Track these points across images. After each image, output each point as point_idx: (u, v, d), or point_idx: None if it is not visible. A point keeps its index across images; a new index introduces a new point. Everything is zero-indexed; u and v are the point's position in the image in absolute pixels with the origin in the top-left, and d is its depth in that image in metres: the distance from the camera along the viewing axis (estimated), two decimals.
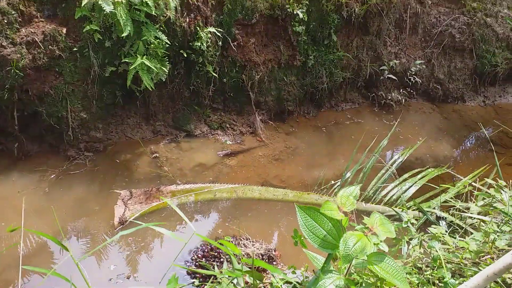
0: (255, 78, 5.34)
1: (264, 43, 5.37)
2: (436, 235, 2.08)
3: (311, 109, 6.07)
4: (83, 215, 3.81)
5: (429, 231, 3.19)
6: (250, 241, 3.54)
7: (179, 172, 4.59)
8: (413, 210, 3.81)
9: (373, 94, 6.46)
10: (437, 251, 2.12)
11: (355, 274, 1.84)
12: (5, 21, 4.00)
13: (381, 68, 6.29)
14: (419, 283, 1.81)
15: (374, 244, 1.60)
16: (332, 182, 4.11)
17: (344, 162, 4.79)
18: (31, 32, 4.14)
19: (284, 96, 5.71)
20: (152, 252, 3.54)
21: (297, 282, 1.82)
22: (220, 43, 4.97)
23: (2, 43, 4.01)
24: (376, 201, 4.04)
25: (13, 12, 4.04)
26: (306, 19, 5.25)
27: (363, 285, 1.67)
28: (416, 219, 3.59)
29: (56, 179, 4.28)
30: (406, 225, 2.34)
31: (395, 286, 1.77)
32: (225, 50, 5.14)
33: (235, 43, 5.07)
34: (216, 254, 3.41)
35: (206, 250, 3.46)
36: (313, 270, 1.71)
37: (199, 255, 3.43)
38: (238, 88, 5.44)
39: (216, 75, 5.07)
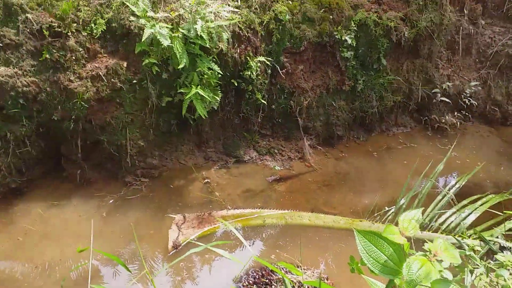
0: (303, 104, 5.39)
1: (312, 69, 5.44)
2: (504, 263, 1.96)
3: (361, 134, 6.00)
4: (139, 239, 3.96)
5: (491, 262, 3.00)
6: (301, 269, 3.50)
7: (229, 197, 4.66)
8: (473, 239, 3.61)
9: (426, 117, 6.29)
10: (505, 280, 2.00)
11: None
12: (73, 57, 4.36)
13: (433, 91, 6.14)
14: None
15: (439, 271, 1.55)
16: (386, 208, 4.00)
17: (396, 188, 4.65)
18: (96, 66, 4.48)
19: (333, 121, 5.71)
20: (200, 278, 3.59)
21: None
22: (269, 71, 5.10)
23: (70, 78, 4.36)
24: (433, 229, 3.86)
25: (80, 49, 4.40)
26: (354, 45, 5.28)
27: None
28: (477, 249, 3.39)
29: (114, 204, 4.49)
30: (469, 253, 2.23)
31: None
32: (274, 78, 5.26)
33: (283, 70, 5.19)
34: (267, 281, 3.40)
35: (257, 277, 3.46)
36: None
37: (250, 282, 3.42)
38: (286, 114, 5.52)
39: (265, 102, 5.18)
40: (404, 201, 3.96)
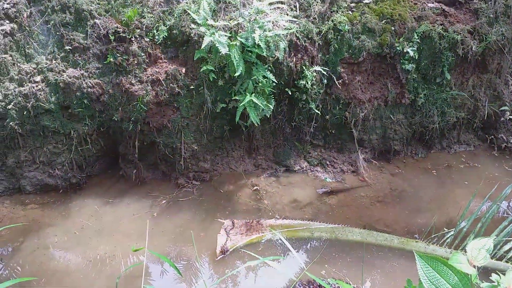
0: (359, 116, 5.24)
1: (370, 80, 5.28)
2: None
3: (420, 150, 5.71)
4: (188, 241, 4.01)
5: None
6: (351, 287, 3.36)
7: (278, 206, 4.61)
8: None
9: (492, 136, 5.86)
10: None
11: None
12: (135, 62, 4.56)
13: (501, 108, 5.72)
14: None
15: None
16: (445, 230, 3.75)
17: (455, 210, 4.36)
18: (156, 71, 4.64)
19: (390, 135, 5.48)
20: (246, 286, 3.56)
21: None
22: (325, 81, 5.02)
23: (131, 81, 4.55)
24: (497, 257, 3.57)
25: (142, 54, 4.58)
26: (416, 57, 5.06)
27: None
28: None
29: (166, 205, 4.60)
30: None
31: None
32: (329, 88, 5.16)
33: (339, 81, 5.08)
34: None
35: None
36: None
37: None
38: (340, 125, 5.39)
39: (319, 112, 5.09)
40: (465, 224, 3.70)
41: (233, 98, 4.65)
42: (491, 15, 5.31)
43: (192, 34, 4.55)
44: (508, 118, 5.73)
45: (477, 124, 5.86)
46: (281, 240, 4.06)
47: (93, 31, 4.45)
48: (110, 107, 4.58)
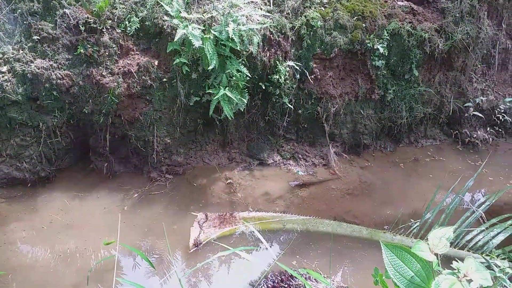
0: (331, 111, 5.34)
1: (342, 76, 5.39)
2: None
3: (388, 144, 5.89)
4: (161, 235, 4.00)
5: None
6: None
7: (251, 199, 4.66)
8: (502, 259, 3.48)
9: (456, 131, 6.12)
10: None
11: None
12: (107, 53, 4.47)
13: (465, 104, 5.97)
14: None
15: None
16: (412, 221, 3.91)
17: (421, 202, 4.54)
18: (128, 63, 4.57)
19: (360, 129, 5.63)
20: (217, 279, 3.59)
21: None
22: (298, 76, 5.08)
23: (102, 73, 4.46)
24: (459, 246, 3.75)
25: (113, 46, 4.50)
26: (386, 54, 5.20)
27: None
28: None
29: (138, 198, 4.57)
30: (499, 275, 2.15)
31: None
32: (302, 83, 5.24)
33: (312, 76, 5.16)
34: (286, 286, 3.37)
35: (276, 282, 3.43)
36: None
37: (269, 286, 3.40)
38: (312, 119, 5.48)
39: (292, 107, 5.16)
40: (430, 216, 3.86)
41: (207, 91, 4.65)
42: (457, 14, 5.52)
43: (165, 26, 4.51)
44: (471, 114, 5.99)
45: (443, 119, 6.10)
46: (253, 233, 4.11)
47: (63, 21, 4.33)
48: (80, 99, 4.48)
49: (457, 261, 1.61)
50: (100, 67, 4.42)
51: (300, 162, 5.43)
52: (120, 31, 4.50)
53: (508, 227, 3.74)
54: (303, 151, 5.56)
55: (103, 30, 4.38)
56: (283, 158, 5.45)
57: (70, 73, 4.38)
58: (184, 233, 3.99)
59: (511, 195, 4.96)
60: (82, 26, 4.31)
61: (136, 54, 4.67)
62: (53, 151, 4.70)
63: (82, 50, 4.31)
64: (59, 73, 4.33)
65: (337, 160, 5.45)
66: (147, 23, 4.57)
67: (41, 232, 3.98)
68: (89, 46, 4.35)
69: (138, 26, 4.55)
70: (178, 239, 3.93)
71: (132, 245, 3.82)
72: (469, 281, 1.58)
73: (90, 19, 4.35)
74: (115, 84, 4.46)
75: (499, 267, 2.44)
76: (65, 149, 4.82)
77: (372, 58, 5.24)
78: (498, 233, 3.70)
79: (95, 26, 4.35)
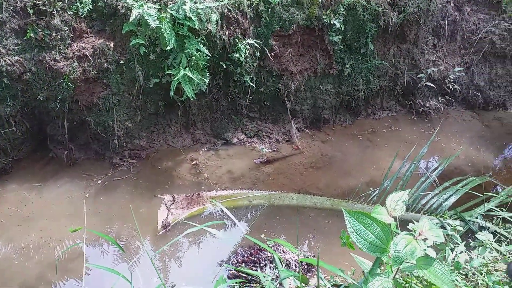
0: (291, 87, 5.43)
1: (301, 53, 5.46)
2: (484, 242, 2.07)
3: (347, 117, 6.08)
4: (128, 219, 3.98)
5: (470, 241, 3.15)
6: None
7: (218, 178, 4.71)
8: (454, 219, 3.76)
9: (411, 102, 6.40)
10: (484, 258, 2.12)
11: (400, 278, 1.87)
12: (59, 37, 4.28)
13: (418, 76, 6.24)
14: (466, 287, 1.82)
15: (423, 250, 1.63)
16: (371, 189, 4.11)
17: (380, 171, 4.77)
18: (82, 46, 4.40)
19: (320, 105, 5.77)
20: (190, 258, 3.65)
21: (344, 286, 1.86)
22: (258, 53, 5.10)
23: (56, 58, 4.28)
24: (416, 209, 4.00)
25: (66, 29, 4.31)
26: (342, 29, 5.30)
27: None
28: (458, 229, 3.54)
29: (102, 185, 4.50)
30: (451, 233, 2.34)
31: None
32: (262, 61, 5.26)
33: (272, 53, 5.19)
34: (255, 259, 3.48)
35: (246, 256, 3.54)
36: (363, 272, 1.75)
37: (239, 260, 3.51)
38: (274, 97, 5.55)
39: (253, 85, 5.19)
40: (389, 183, 4.08)
41: (167, 72, 4.58)
42: None
43: (119, 7, 4.36)
44: (424, 85, 6.27)
45: (398, 91, 6.35)
46: (221, 211, 4.18)
47: (9, 4, 4.08)
48: (34, 86, 4.29)
49: (413, 222, 1.75)
50: (53, 52, 4.24)
51: (264, 139, 5.51)
52: (71, 13, 4.30)
53: (459, 189, 4.03)
54: (267, 128, 5.64)
55: (54, 12, 4.17)
56: (247, 136, 5.50)
57: (21, 59, 4.17)
58: (151, 216, 3.99)
59: (462, 159, 5.30)
60: (31, 9, 4.08)
61: (91, 36, 4.50)
62: (8, 141, 4.50)
63: (32, 35, 4.10)
64: (9, 59, 4.11)
65: (299, 136, 5.58)
66: (100, 3, 4.39)
67: (0, 226, 3.85)
68: (39, 30, 4.15)
69: (91, 8, 4.37)
70: (146, 223, 3.93)
71: (98, 231, 3.78)
72: (424, 239, 1.72)
73: (39, 1, 4.13)
74: (70, 68, 4.29)
75: (451, 226, 2.65)
76: (21, 139, 4.63)
77: (329, 33, 5.33)
78: (450, 196, 3.98)
79: (44, 8, 4.13)
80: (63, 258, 3.50)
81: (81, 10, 4.32)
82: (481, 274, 2.08)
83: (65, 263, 3.46)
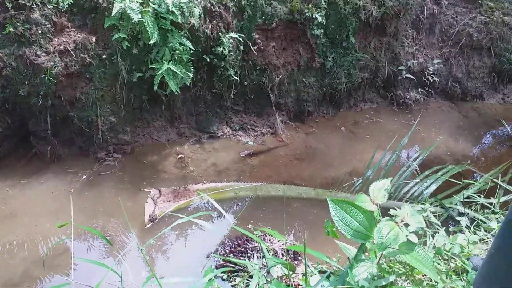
0: (275, 81, 5.48)
1: (284, 46, 5.51)
2: (461, 228, 2.18)
3: (330, 110, 6.18)
4: (114, 214, 3.98)
5: (449, 226, 3.28)
6: (275, 237, 3.67)
7: (204, 171, 4.74)
8: (435, 206, 3.90)
9: (392, 93, 6.54)
10: (461, 244, 2.22)
11: (384, 263, 1.96)
12: (39, 31, 4.22)
13: (399, 68, 6.37)
14: (446, 272, 1.92)
15: (405, 235, 1.72)
16: (354, 179, 4.22)
17: (363, 161, 4.88)
18: (63, 41, 4.35)
19: (304, 97, 5.84)
20: (178, 251, 3.68)
21: (330, 272, 1.94)
22: (241, 47, 5.12)
23: (37, 52, 4.22)
24: (398, 198, 4.12)
25: (46, 23, 4.25)
26: (324, 23, 5.36)
27: (395, 273, 1.78)
28: (438, 215, 3.68)
29: (87, 180, 4.47)
30: (428, 218, 2.45)
31: (424, 274, 1.89)
32: (246, 54, 5.29)
33: (255, 47, 5.22)
34: (243, 249, 3.54)
35: (233, 246, 3.59)
36: (348, 259, 1.83)
37: (226, 251, 3.56)
38: (258, 90, 5.59)
39: (237, 79, 5.23)
40: (371, 173, 4.19)
41: (150, 66, 4.56)
42: None
43: (100, 1, 4.32)
44: (404, 77, 6.41)
45: (379, 83, 6.48)
46: (208, 203, 4.22)
47: None
48: (14, 82, 4.22)
49: (395, 209, 1.83)
50: (33, 47, 4.17)
51: (249, 132, 5.56)
52: (52, 7, 4.24)
53: (439, 177, 4.18)
54: (252, 121, 5.68)
55: (33, 6, 4.10)
56: (233, 129, 5.54)
57: (0, 54, 4.10)
58: (138, 210, 4.00)
59: (441, 149, 5.46)
60: (9, 3, 4.00)
61: (72, 31, 4.45)
62: None
63: (11, 29, 4.03)
64: None
65: (283, 128, 5.65)
66: None
67: None
68: (18, 24, 4.07)
69: (71, 1, 4.31)
70: (133, 217, 3.95)
71: (85, 226, 3.77)
72: (406, 225, 1.80)
73: None
74: (52, 63, 4.24)
75: (432, 212, 2.77)
76: (2, 135, 4.55)
77: (311, 27, 5.39)
78: (430, 184, 4.13)
79: (23, 2, 4.06)
80: (49, 254, 3.49)
81: (61, 4, 4.26)
82: (461, 260, 2.19)
83: (51, 259, 3.45)
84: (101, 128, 4.72)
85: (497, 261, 1.53)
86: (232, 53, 5.05)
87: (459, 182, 3.71)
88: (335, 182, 4.50)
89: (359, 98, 6.46)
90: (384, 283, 1.59)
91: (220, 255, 3.52)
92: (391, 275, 1.64)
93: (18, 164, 4.62)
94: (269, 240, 3.64)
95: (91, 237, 3.72)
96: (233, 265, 3.21)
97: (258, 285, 1.83)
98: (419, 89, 6.63)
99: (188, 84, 4.85)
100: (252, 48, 5.18)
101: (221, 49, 4.86)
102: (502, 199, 3.59)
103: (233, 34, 4.92)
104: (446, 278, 1.85)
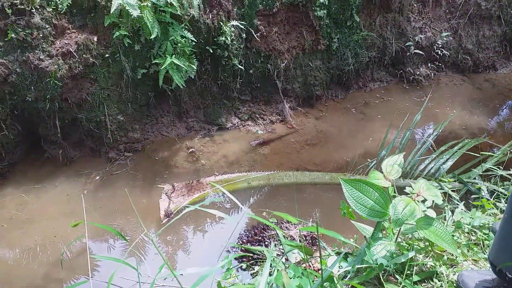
0: (281, 66, 5.39)
1: (287, 31, 5.41)
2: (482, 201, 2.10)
3: (339, 92, 6.08)
4: (130, 212, 3.99)
5: (470, 202, 3.18)
6: (292, 224, 3.63)
7: (216, 164, 4.72)
8: (453, 182, 3.80)
9: (401, 71, 6.39)
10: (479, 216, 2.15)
11: (403, 242, 1.90)
12: (41, 35, 4.21)
13: (406, 44, 6.22)
14: (468, 245, 1.85)
15: (422, 211, 1.65)
16: (368, 160, 4.14)
17: (376, 142, 4.79)
18: (65, 43, 4.34)
19: (311, 82, 5.75)
20: (195, 244, 3.68)
21: (347, 253, 1.89)
22: (244, 35, 5.05)
23: (40, 57, 4.22)
24: (414, 176, 4.04)
25: (47, 26, 4.24)
26: (326, 3, 5.25)
27: (413, 249, 1.72)
28: (457, 190, 3.58)
29: (100, 181, 4.49)
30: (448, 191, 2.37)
31: (444, 249, 1.82)
32: (249, 42, 5.21)
33: (258, 34, 5.14)
34: (260, 238, 3.52)
35: (251, 236, 3.57)
36: (365, 238, 1.78)
37: (244, 241, 3.54)
38: (264, 78, 5.52)
39: (242, 68, 5.16)
40: (385, 153, 4.10)
41: (153, 62, 4.53)
42: None
43: None
44: (413, 53, 6.26)
45: (387, 61, 6.33)
46: (223, 195, 4.19)
47: None
48: (21, 88, 4.23)
49: (411, 186, 1.76)
50: (36, 51, 4.17)
51: (258, 121, 5.51)
52: (51, 10, 4.22)
53: (456, 152, 4.07)
54: (260, 110, 5.62)
55: (33, 10, 4.09)
56: (241, 120, 5.50)
57: (5, 61, 4.10)
58: (153, 206, 4.00)
59: (456, 123, 5.33)
60: (9, 9, 4.00)
61: (73, 32, 4.43)
62: (1, 146, 4.47)
63: (13, 35, 4.03)
64: None
65: (293, 115, 5.57)
66: None
67: (2, 230, 3.85)
68: (20, 29, 4.07)
69: (70, 2, 4.29)
70: (149, 213, 3.95)
71: (100, 224, 3.78)
72: (424, 201, 1.74)
73: (16, 0, 4.05)
74: (56, 66, 4.24)
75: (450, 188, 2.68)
76: (14, 142, 4.59)
77: (313, 8, 5.28)
78: (447, 159, 4.02)
79: (23, 7, 4.05)
80: (69, 255, 3.52)
81: (60, 6, 4.25)
82: (483, 232, 2.11)
83: (71, 260, 3.48)
84: (110, 128, 4.72)
85: (510, 228, 1.45)
86: (235, 42, 4.98)
87: (477, 155, 3.61)
88: (348, 165, 4.42)
89: (368, 78, 6.33)
90: (403, 260, 1.54)
91: (238, 244, 3.50)
92: (410, 251, 1.59)
93: (31, 169, 4.66)
94: (286, 227, 3.61)
95: (110, 237, 3.74)
96: (252, 254, 3.19)
97: (274, 269, 1.79)
98: (429, 64, 6.47)
99: (193, 77, 4.81)
100: (255, 35, 5.10)
101: (224, 38, 4.79)
102: None
103: (235, 22, 4.84)
104: (468, 251, 1.79)
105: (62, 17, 4.36)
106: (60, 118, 4.57)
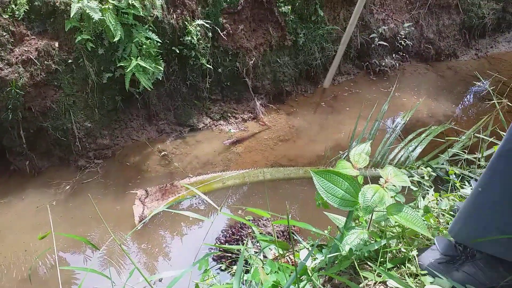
0: (249, 64, 5.39)
1: (253, 28, 5.41)
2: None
3: (308, 87, 6.13)
4: (105, 219, 3.90)
5: (439, 187, 3.28)
6: (269, 221, 3.64)
7: (189, 165, 4.67)
8: (422, 169, 3.90)
9: (367, 63, 6.52)
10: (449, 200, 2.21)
11: (376, 230, 1.94)
12: None
13: (370, 36, 6.34)
14: (437, 228, 1.91)
15: (391, 197, 1.69)
16: (340, 152, 4.19)
17: (347, 134, 4.87)
18: (25, 50, 4.18)
19: (280, 78, 5.77)
20: (171, 247, 3.64)
21: (322, 244, 1.91)
22: (210, 34, 5.01)
23: None
24: (385, 165, 4.12)
25: (4, 34, 4.07)
26: None
27: (386, 236, 1.76)
28: (429, 176, 3.68)
29: (71, 190, 4.36)
30: (417, 181, 2.43)
31: (415, 234, 1.87)
32: (216, 41, 5.18)
33: (224, 32, 5.12)
34: (238, 237, 3.51)
35: (228, 235, 3.56)
36: (337, 228, 1.80)
37: (222, 241, 3.52)
38: (233, 76, 5.51)
39: (211, 67, 5.12)
40: (356, 144, 4.17)
41: (118, 65, 4.43)
42: None
43: (57, 4, 4.15)
44: (377, 44, 6.39)
45: (353, 53, 6.44)
46: (199, 196, 4.16)
47: None
48: None
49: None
50: None
51: (230, 120, 5.49)
52: (7, 16, 4.06)
53: (423, 139, 4.18)
54: (231, 109, 5.60)
55: None
56: (213, 119, 5.46)
57: None
58: (127, 213, 3.92)
59: (423, 111, 5.48)
60: None
61: (32, 39, 4.28)
62: None
63: None
64: None
65: (264, 112, 5.59)
66: (36, 3, 4.16)
67: None
68: None
69: (27, 8, 4.14)
70: (123, 220, 3.87)
71: (68, 234, 3.68)
72: (392, 188, 1.77)
73: None
74: (16, 75, 4.08)
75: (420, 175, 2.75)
76: None
77: (278, 4, 5.30)
78: (415, 147, 4.13)
79: None
80: (42, 269, 3.40)
81: (17, 12, 4.09)
82: (450, 214, 2.18)
83: (43, 275, 3.36)
84: (78, 135, 4.59)
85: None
86: (201, 41, 4.94)
87: (443, 140, 3.72)
88: (321, 158, 4.48)
89: (336, 71, 6.41)
90: (376, 247, 1.56)
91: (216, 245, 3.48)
92: (383, 239, 1.62)
93: None
94: (263, 224, 3.62)
95: (85, 247, 3.64)
96: (231, 254, 3.18)
97: (252, 267, 1.79)
98: (394, 55, 6.62)
99: (160, 79, 4.74)
100: (221, 34, 5.07)
101: (189, 38, 4.75)
102: (486, 152, 3.61)
103: (200, 21, 4.80)
104: (438, 234, 1.84)
105: (20, 24, 4.20)
106: (24, 128, 4.41)
